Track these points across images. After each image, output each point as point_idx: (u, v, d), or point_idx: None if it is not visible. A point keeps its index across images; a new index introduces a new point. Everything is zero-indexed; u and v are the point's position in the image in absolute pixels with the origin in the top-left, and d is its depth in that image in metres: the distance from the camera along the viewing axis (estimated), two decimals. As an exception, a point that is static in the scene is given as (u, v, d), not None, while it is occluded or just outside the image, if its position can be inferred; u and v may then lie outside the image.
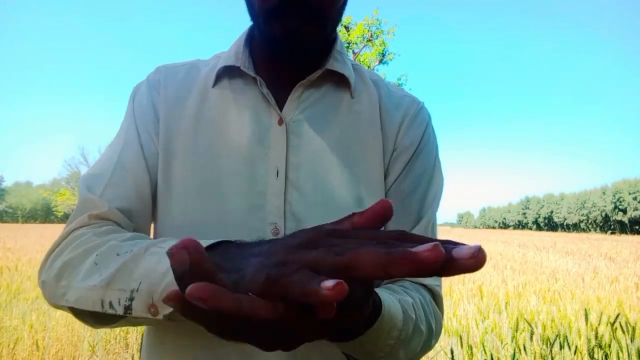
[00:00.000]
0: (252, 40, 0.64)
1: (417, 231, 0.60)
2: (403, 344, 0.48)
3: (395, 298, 0.49)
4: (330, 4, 0.54)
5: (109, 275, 0.44)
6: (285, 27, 0.52)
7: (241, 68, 0.60)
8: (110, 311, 0.43)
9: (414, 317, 0.50)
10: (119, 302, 0.43)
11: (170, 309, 0.40)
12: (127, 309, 0.42)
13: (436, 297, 0.60)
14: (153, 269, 0.42)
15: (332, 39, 0.63)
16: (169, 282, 0.40)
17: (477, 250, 0.23)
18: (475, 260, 0.23)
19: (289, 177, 0.58)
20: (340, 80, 0.63)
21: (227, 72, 0.62)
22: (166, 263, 0.41)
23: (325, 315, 0.26)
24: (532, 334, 2.83)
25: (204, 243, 0.38)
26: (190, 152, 0.59)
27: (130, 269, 0.43)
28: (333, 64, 0.61)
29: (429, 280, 0.59)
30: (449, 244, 0.25)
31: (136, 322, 0.47)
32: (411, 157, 0.62)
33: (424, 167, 0.63)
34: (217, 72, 0.62)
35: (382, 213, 0.30)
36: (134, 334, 3.50)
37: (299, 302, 0.25)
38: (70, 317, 3.77)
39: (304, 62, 0.61)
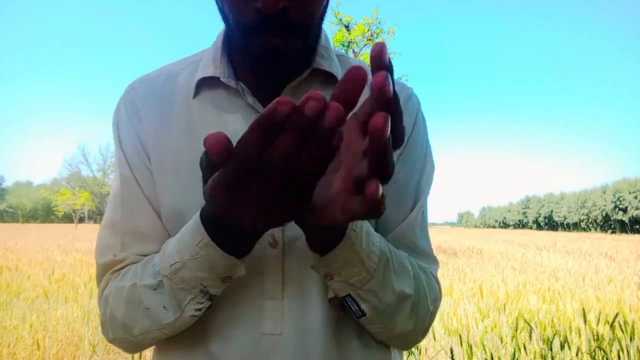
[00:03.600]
0: (229, 42, 0.60)
1: (411, 218, 0.60)
2: (389, 270, 0.50)
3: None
4: (310, 17, 0.51)
5: (174, 309, 0.49)
6: (265, 43, 0.49)
7: (221, 79, 0.57)
8: (202, 310, 0.50)
9: (394, 252, 0.53)
10: (201, 302, 0.49)
11: (242, 271, 0.47)
12: (211, 298, 0.49)
13: (434, 277, 0.61)
14: (199, 271, 0.46)
15: (317, 34, 0.60)
16: (219, 263, 0.45)
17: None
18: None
19: None
20: (327, 77, 0.60)
21: (207, 83, 0.58)
22: (202, 265, 0.46)
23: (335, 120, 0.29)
24: (530, 333, 2.83)
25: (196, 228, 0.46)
26: (180, 172, 0.57)
27: (181, 289, 0.48)
28: (320, 62, 0.59)
29: (425, 265, 0.60)
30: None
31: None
32: (405, 146, 0.61)
33: (417, 155, 0.62)
34: (196, 84, 0.58)
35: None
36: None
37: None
38: (70, 316, 3.78)
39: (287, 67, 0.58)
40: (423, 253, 0.61)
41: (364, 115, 0.33)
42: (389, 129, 0.28)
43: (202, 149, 0.56)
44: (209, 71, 0.58)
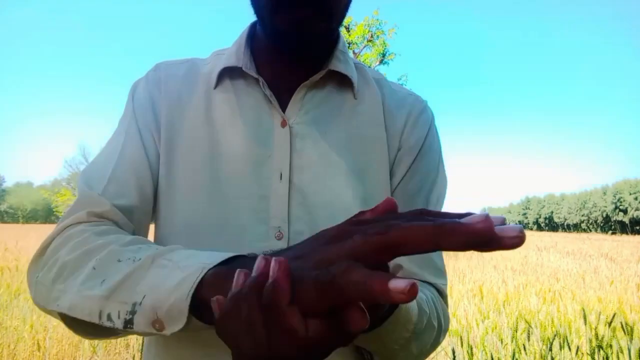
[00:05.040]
0: (253, 38, 0.63)
1: None
2: (416, 338, 0.49)
3: None
4: None
5: (111, 285, 0.41)
6: (293, 19, 0.51)
7: (243, 69, 0.59)
8: (107, 324, 0.41)
9: (427, 312, 0.51)
10: (119, 316, 0.40)
11: (179, 327, 0.38)
12: (128, 322, 0.40)
13: (443, 296, 0.61)
14: (161, 283, 0.39)
15: (335, 38, 0.62)
16: (179, 299, 0.38)
17: (520, 230, 0.23)
18: (519, 240, 0.23)
19: (293, 180, 0.57)
20: (343, 81, 0.62)
21: (229, 73, 0.61)
22: (175, 278, 0.39)
23: (360, 326, 0.25)
24: (529, 333, 2.83)
25: (219, 257, 0.39)
26: (193, 154, 0.58)
27: (135, 281, 0.41)
28: (336, 65, 0.60)
29: (435, 279, 0.59)
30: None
31: (132, 332, 0.42)
32: (416, 157, 0.62)
33: (428, 168, 0.63)
34: (219, 73, 0.61)
35: (392, 209, 0.30)
36: (135, 335, 3.50)
37: (360, 301, 0.25)
38: (70, 317, 3.77)
39: (308, 58, 0.60)
40: (436, 268, 0.60)
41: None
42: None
43: (217, 135, 0.58)
44: (231, 61, 0.60)
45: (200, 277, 0.38)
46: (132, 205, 0.56)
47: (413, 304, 0.47)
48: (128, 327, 0.40)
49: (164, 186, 0.59)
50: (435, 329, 0.53)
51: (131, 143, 0.59)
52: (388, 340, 0.46)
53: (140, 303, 0.40)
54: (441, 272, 0.61)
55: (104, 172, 0.57)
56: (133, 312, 0.40)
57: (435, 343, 0.55)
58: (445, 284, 0.61)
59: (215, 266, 0.38)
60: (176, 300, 0.38)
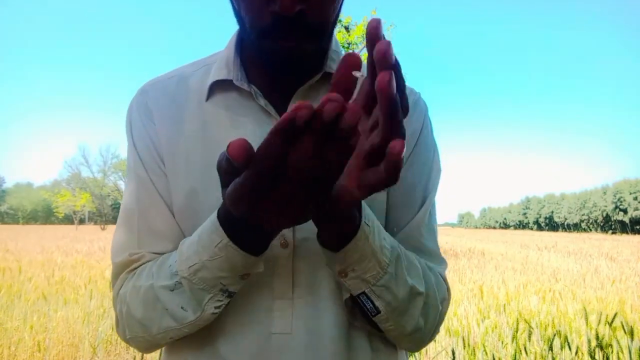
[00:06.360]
0: (242, 44, 0.61)
1: (417, 218, 0.60)
2: (401, 266, 0.51)
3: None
4: (325, 19, 0.51)
5: (194, 309, 0.50)
6: (280, 47, 0.49)
7: (234, 82, 0.58)
8: (221, 307, 0.51)
9: (403, 249, 0.54)
10: (221, 300, 0.50)
11: (261, 267, 0.48)
12: (229, 295, 0.50)
13: (442, 277, 0.61)
14: (218, 271, 0.47)
15: (330, 36, 0.60)
16: (241, 268, 0.47)
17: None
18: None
19: None
20: None
21: (220, 85, 0.59)
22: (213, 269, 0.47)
23: (352, 120, 0.29)
24: (531, 333, 2.83)
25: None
26: (193, 171, 0.57)
27: (201, 289, 0.49)
28: (331, 66, 0.59)
29: (433, 265, 0.60)
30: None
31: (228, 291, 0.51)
32: (413, 148, 0.62)
33: (424, 158, 0.63)
34: (209, 86, 0.59)
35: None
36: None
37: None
38: (71, 318, 3.78)
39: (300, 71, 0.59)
40: (430, 253, 0.61)
41: (364, 98, 0.35)
42: (395, 87, 0.29)
43: (215, 151, 0.58)
44: (222, 74, 0.59)
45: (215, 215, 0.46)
46: (167, 250, 0.58)
47: (383, 230, 0.51)
48: (232, 295, 0.50)
49: (171, 207, 0.60)
50: (419, 270, 0.54)
51: (144, 190, 0.59)
52: (372, 249, 0.47)
53: (225, 285, 0.48)
54: (437, 257, 0.62)
55: (130, 233, 0.59)
56: (226, 290, 0.49)
57: (429, 295, 0.55)
58: (444, 269, 0.62)
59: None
60: (242, 267, 0.47)
